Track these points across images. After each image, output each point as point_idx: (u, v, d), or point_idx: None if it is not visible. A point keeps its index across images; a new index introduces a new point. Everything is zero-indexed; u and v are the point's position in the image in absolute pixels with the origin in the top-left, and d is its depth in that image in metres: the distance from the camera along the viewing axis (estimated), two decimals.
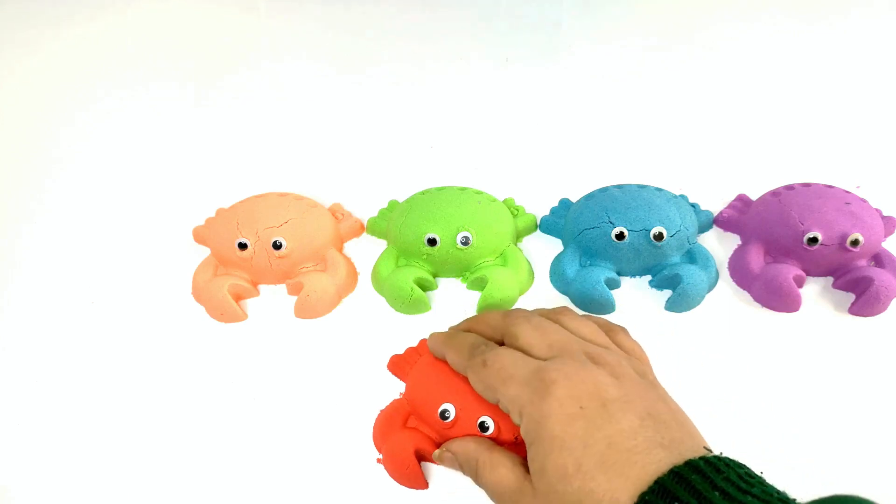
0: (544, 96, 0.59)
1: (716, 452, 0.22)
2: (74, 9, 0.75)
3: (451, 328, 0.32)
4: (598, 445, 0.22)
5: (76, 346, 0.38)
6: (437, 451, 0.29)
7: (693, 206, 0.43)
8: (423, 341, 0.35)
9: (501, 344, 0.29)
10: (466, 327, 0.32)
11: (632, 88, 0.59)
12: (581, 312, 0.29)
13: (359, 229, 0.45)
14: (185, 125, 0.57)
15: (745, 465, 0.22)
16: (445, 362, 0.31)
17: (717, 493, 0.19)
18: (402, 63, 0.64)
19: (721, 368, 0.34)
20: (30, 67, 0.67)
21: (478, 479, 0.27)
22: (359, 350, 0.37)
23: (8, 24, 0.74)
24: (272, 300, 0.40)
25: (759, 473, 0.22)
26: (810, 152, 0.50)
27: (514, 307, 0.39)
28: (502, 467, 0.25)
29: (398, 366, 0.34)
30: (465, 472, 0.28)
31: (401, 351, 0.35)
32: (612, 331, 0.30)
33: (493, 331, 0.30)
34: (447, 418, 0.29)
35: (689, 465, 0.20)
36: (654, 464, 0.21)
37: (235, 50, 0.68)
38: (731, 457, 0.22)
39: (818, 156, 0.49)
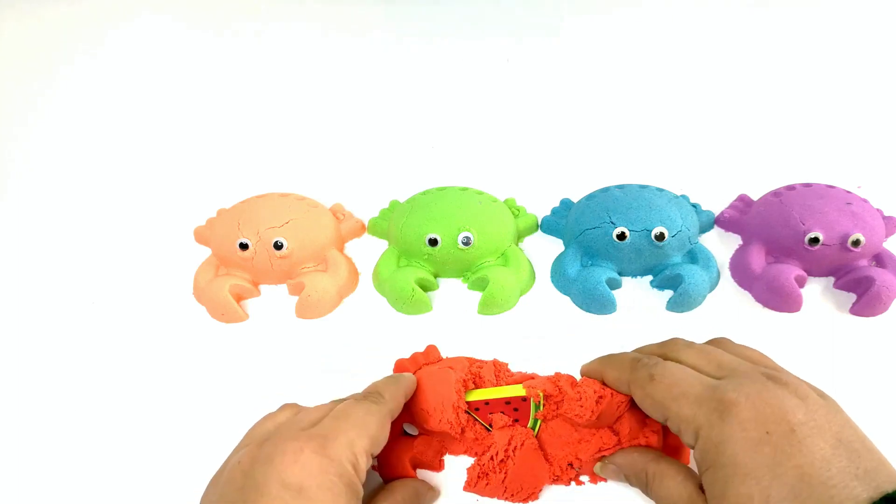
0: (545, 96, 0.59)
1: None
2: (75, 8, 0.75)
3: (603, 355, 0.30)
4: (789, 476, 0.20)
5: (77, 346, 0.38)
6: (598, 465, 0.29)
7: (694, 206, 0.43)
8: (429, 347, 0.34)
9: None
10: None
11: (633, 89, 0.59)
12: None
13: (360, 229, 0.45)
14: (186, 125, 0.57)
15: None
16: (451, 369, 0.31)
17: None
18: (403, 63, 0.64)
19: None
20: (30, 67, 0.67)
21: (648, 491, 0.26)
22: (360, 350, 0.37)
23: (7, 24, 0.74)
24: (273, 300, 0.40)
25: None
26: (811, 152, 0.50)
27: (514, 308, 0.39)
28: (671, 479, 0.25)
29: (403, 369, 0.34)
30: (632, 484, 0.27)
31: (402, 352, 0.35)
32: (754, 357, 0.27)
33: (650, 352, 0.28)
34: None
35: (888, 499, 0.19)
36: (852, 499, 0.19)
37: (236, 50, 0.68)
38: None
39: (819, 156, 0.49)
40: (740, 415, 0.21)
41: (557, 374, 0.32)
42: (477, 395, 0.31)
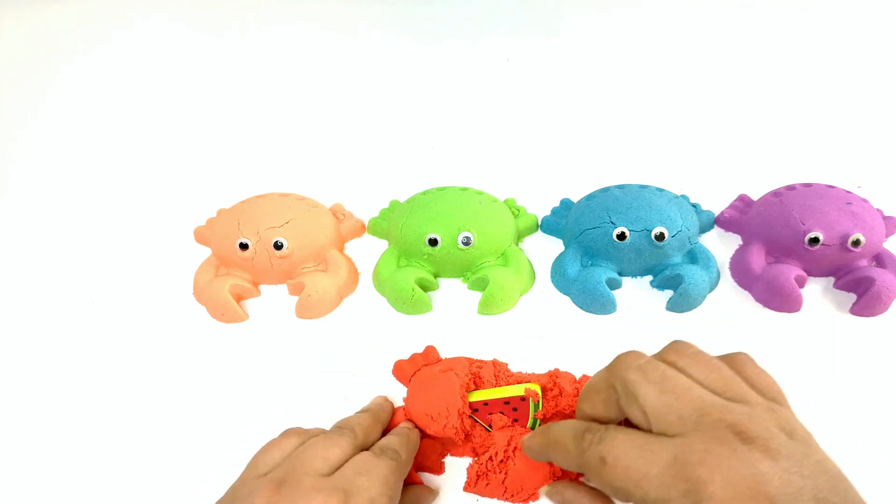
0: (545, 96, 0.59)
1: None
2: (75, 8, 0.75)
3: (540, 428, 0.27)
4: None
5: (77, 346, 0.38)
6: (546, 488, 0.28)
7: (694, 206, 0.43)
8: (428, 347, 0.34)
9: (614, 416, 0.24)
10: (579, 404, 0.26)
11: (633, 89, 0.59)
12: (693, 347, 0.25)
13: (360, 229, 0.45)
14: (186, 125, 0.57)
15: None
16: (449, 372, 0.31)
17: None
18: (402, 63, 0.64)
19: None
20: (30, 67, 0.67)
21: None
22: (360, 350, 0.37)
23: (7, 25, 0.74)
24: (273, 300, 0.40)
25: None
26: (811, 152, 0.50)
27: (515, 308, 0.39)
28: None
29: (402, 371, 0.34)
30: None
31: (402, 352, 0.35)
32: (735, 363, 0.25)
33: (604, 389, 0.24)
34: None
35: None
36: None
37: (236, 50, 0.68)
38: None
39: (819, 156, 0.49)
40: (716, 496, 0.19)
41: (556, 371, 0.32)
42: (476, 396, 0.31)
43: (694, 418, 0.21)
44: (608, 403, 0.24)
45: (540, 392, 0.30)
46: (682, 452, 0.20)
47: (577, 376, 0.33)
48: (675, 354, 0.24)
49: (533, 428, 0.30)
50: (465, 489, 0.30)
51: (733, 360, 0.25)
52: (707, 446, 0.20)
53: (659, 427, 0.22)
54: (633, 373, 0.23)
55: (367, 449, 0.27)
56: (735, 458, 0.20)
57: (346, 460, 0.25)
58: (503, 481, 0.29)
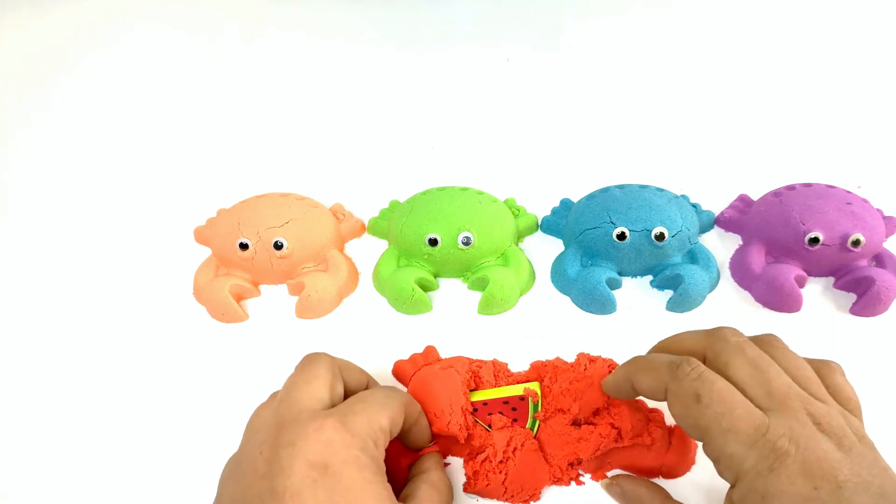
0: (545, 96, 0.59)
1: None
2: (75, 9, 0.75)
3: (632, 357, 0.28)
4: None
5: (77, 346, 0.38)
6: (605, 482, 0.29)
7: (694, 206, 0.43)
8: (428, 348, 0.34)
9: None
10: (660, 348, 0.28)
11: (633, 88, 0.59)
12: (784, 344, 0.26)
13: (360, 229, 0.45)
14: (186, 125, 0.57)
15: None
16: (450, 369, 0.31)
17: None
18: (402, 63, 0.64)
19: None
20: (30, 66, 0.67)
21: None
22: (360, 350, 0.36)
23: (8, 26, 0.74)
24: (273, 300, 0.40)
25: None
26: (811, 152, 0.50)
27: (515, 308, 0.39)
28: None
29: (402, 371, 0.34)
30: None
31: (402, 352, 0.35)
32: (822, 368, 0.26)
33: (690, 351, 0.26)
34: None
35: None
36: None
37: (237, 50, 0.68)
38: None
39: (819, 156, 0.49)
40: (790, 467, 0.21)
41: (557, 358, 0.32)
42: (476, 397, 0.31)
43: (779, 398, 0.22)
44: (695, 347, 0.26)
45: (539, 392, 0.30)
46: (773, 425, 0.22)
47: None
48: (767, 344, 0.25)
49: (532, 428, 0.30)
50: (465, 490, 0.30)
51: (821, 365, 0.26)
52: (791, 423, 0.22)
53: (746, 395, 0.23)
54: (733, 345, 0.24)
55: None
56: (814, 441, 0.21)
57: (334, 389, 0.26)
58: (503, 482, 0.29)
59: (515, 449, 0.29)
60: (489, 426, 0.30)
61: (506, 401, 0.30)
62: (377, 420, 0.24)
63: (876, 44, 0.63)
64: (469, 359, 0.34)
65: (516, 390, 0.30)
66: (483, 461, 0.29)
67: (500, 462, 0.29)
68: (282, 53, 0.67)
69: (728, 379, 0.23)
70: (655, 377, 0.25)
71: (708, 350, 0.25)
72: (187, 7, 0.75)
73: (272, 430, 0.24)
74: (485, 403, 0.30)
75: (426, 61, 0.64)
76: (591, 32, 0.68)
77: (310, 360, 0.27)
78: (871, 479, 0.21)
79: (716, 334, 0.25)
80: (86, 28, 0.73)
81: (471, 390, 0.31)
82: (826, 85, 0.58)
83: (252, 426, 0.26)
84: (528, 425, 0.30)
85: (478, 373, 0.32)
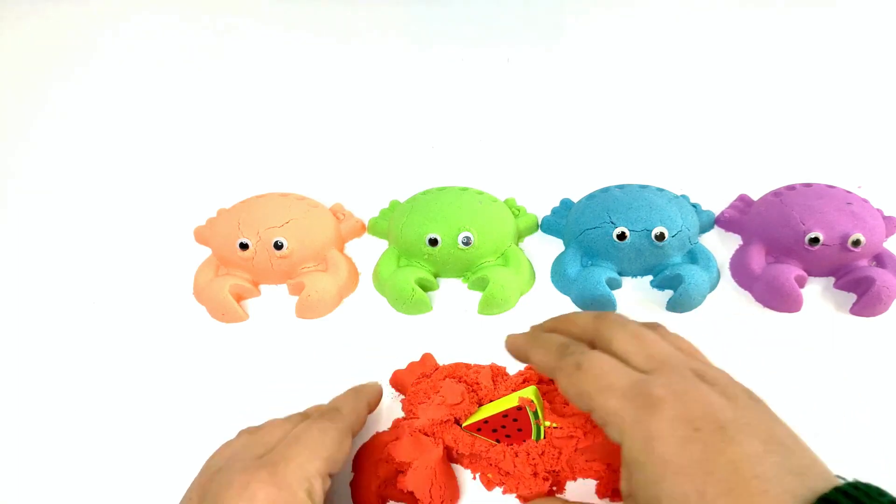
0: (545, 96, 0.59)
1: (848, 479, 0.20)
2: (75, 7, 0.75)
3: (532, 327, 0.29)
4: (722, 472, 0.19)
5: (78, 346, 0.38)
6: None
7: (694, 206, 0.43)
8: (425, 355, 0.34)
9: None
10: (551, 327, 0.29)
11: (633, 89, 0.59)
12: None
13: (360, 229, 0.45)
14: (186, 125, 0.57)
15: (887, 493, 0.19)
16: (446, 380, 0.31)
17: None
18: (403, 63, 0.64)
19: (722, 369, 0.34)
20: (30, 67, 0.67)
21: None
22: (360, 350, 0.37)
23: (6, 24, 0.74)
24: (273, 300, 0.40)
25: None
26: (812, 152, 0.50)
27: (515, 308, 0.39)
28: None
29: (399, 380, 0.34)
30: None
31: (402, 352, 0.35)
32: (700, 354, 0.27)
33: (581, 332, 0.27)
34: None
35: (839, 491, 0.19)
36: (788, 493, 0.19)
37: (237, 50, 0.68)
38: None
39: (819, 156, 0.49)
40: (668, 412, 0.21)
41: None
42: (475, 418, 0.30)
43: (660, 360, 0.23)
44: (584, 335, 0.27)
45: (535, 397, 0.30)
46: (649, 379, 0.22)
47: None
48: (653, 326, 0.27)
49: (538, 438, 0.30)
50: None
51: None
52: (669, 378, 0.22)
53: (629, 363, 0.24)
54: (615, 321, 0.26)
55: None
56: (694, 388, 0.22)
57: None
58: (504, 491, 0.29)
59: (518, 455, 0.30)
60: (498, 440, 0.30)
61: (505, 414, 0.30)
62: (310, 466, 0.23)
63: (876, 44, 0.63)
64: (467, 364, 0.33)
65: (511, 401, 0.30)
66: (489, 469, 0.30)
67: (507, 474, 0.29)
68: (282, 53, 0.67)
69: (612, 353, 0.24)
70: (545, 355, 0.26)
71: (594, 332, 0.26)
72: (187, 7, 0.76)
73: (208, 475, 0.24)
74: (486, 422, 0.30)
75: (426, 61, 0.64)
76: (591, 32, 0.68)
77: (288, 416, 0.27)
78: (759, 423, 0.21)
79: (602, 316, 0.27)
80: (85, 27, 0.73)
81: (467, 416, 0.31)
82: (826, 85, 0.58)
83: (206, 464, 0.26)
84: (533, 435, 0.30)
85: (476, 379, 0.32)
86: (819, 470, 0.20)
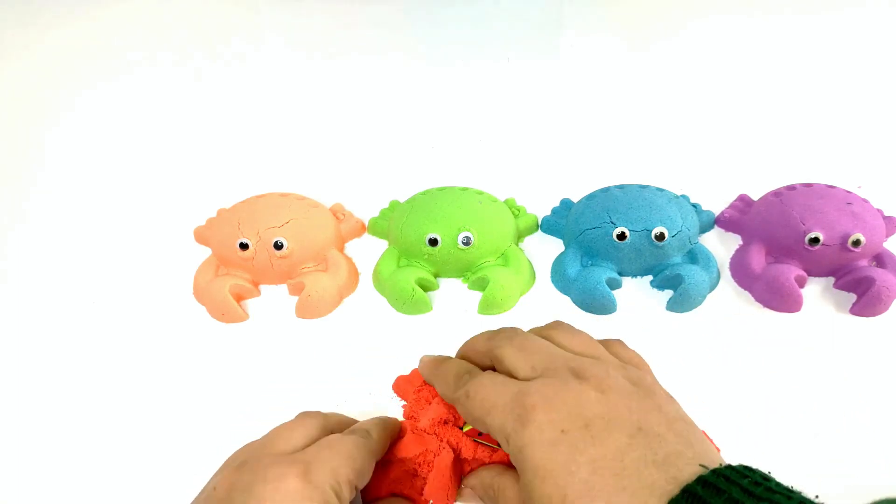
0: (545, 96, 0.59)
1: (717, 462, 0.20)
2: (74, 8, 0.75)
3: (435, 357, 0.30)
4: (582, 472, 0.20)
5: (77, 346, 0.38)
6: (468, 478, 0.29)
7: (694, 206, 0.43)
8: (414, 371, 0.34)
9: (493, 368, 0.27)
10: (461, 354, 0.29)
11: (633, 89, 0.59)
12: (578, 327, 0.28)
13: (360, 229, 0.45)
14: (186, 125, 0.58)
15: (749, 474, 0.19)
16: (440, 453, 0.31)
17: None
18: (403, 63, 0.64)
19: (722, 369, 0.34)
20: (30, 67, 0.67)
21: None
22: (360, 350, 0.37)
23: (5, 23, 0.74)
24: (273, 300, 0.40)
25: (766, 475, 0.20)
26: (812, 152, 0.50)
27: (515, 309, 0.39)
28: (510, 489, 0.24)
29: (401, 387, 0.34)
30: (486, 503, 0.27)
31: (402, 352, 0.35)
32: (607, 343, 0.27)
33: (481, 356, 0.27)
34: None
35: (700, 480, 0.19)
36: (647, 488, 0.19)
37: (237, 50, 0.68)
38: (729, 461, 0.20)
39: (820, 156, 0.49)
40: (539, 417, 0.21)
41: None
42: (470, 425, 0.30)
43: (542, 366, 0.24)
44: (484, 358, 0.27)
45: None
46: (524, 388, 0.23)
47: None
48: (547, 328, 0.27)
49: None
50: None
51: (605, 342, 0.27)
52: (545, 382, 0.23)
53: (516, 377, 0.24)
54: (502, 338, 0.26)
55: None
56: (564, 389, 0.22)
57: (313, 441, 0.25)
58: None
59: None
60: (498, 445, 0.30)
61: None
62: (342, 472, 0.23)
63: (875, 44, 0.63)
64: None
65: None
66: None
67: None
68: (282, 54, 0.67)
69: (505, 370, 0.25)
70: (444, 387, 0.27)
71: (489, 352, 0.26)
72: (188, 9, 0.76)
73: (234, 466, 0.24)
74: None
75: (426, 61, 0.64)
76: (591, 33, 0.68)
77: (303, 414, 0.27)
78: (629, 414, 0.21)
79: (493, 335, 0.27)
80: (86, 29, 0.73)
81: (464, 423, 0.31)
82: (826, 85, 0.58)
83: (229, 458, 0.26)
84: None
85: None
86: (691, 454, 0.20)
